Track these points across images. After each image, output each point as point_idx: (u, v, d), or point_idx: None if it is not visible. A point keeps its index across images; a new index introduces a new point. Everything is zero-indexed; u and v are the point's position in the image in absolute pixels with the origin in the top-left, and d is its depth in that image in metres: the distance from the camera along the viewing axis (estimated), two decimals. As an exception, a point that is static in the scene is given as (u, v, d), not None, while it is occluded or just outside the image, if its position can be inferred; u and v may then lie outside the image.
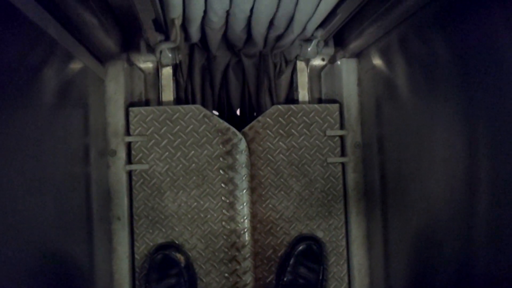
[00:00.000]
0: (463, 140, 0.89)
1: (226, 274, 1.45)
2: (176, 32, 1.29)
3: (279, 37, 1.47)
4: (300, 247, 1.45)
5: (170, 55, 1.41)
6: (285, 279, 1.43)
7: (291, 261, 1.44)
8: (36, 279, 0.82)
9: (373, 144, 1.40)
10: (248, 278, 1.44)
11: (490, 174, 0.81)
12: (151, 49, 1.43)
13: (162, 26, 1.30)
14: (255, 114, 1.72)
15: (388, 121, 1.29)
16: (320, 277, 1.45)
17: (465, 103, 0.88)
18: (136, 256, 1.44)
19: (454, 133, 0.93)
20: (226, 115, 1.76)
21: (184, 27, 1.37)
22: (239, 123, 1.52)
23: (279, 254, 1.49)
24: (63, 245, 0.98)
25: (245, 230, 1.45)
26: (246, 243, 1.45)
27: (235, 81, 1.69)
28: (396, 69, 1.21)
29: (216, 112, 1.75)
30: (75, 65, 1.10)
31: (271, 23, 1.33)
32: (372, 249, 1.46)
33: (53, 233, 0.92)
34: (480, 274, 0.86)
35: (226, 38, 1.53)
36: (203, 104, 1.66)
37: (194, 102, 1.61)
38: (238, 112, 1.77)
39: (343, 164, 1.53)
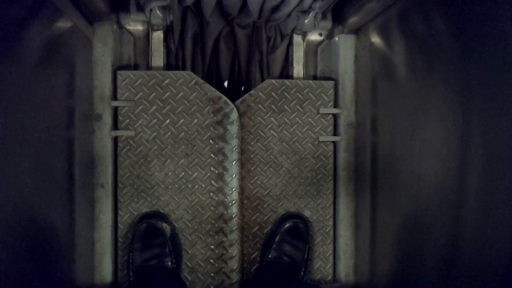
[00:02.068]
0: (457, 124, 0.88)
1: (212, 246, 1.42)
2: None
3: (275, 8, 1.42)
4: (287, 225, 1.43)
5: (160, 14, 1.35)
6: (269, 256, 1.42)
7: (277, 239, 1.42)
8: (13, 245, 0.78)
9: (367, 124, 1.38)
10: (234, 251, 1.42)
11: (483, 159, 0.81)
12: (140, 8, 1.36)
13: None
14: (242, 88, 1.68)
15: (383, 101, 1.27)
16: (305, 256, 1.44)
17: (462, 85, 0.87)
18: (119, 225, 1.40)
19: (448, 116, 0.92)
20: (215, 86, 1.70)
21: (177, -15, 1.32)
22: (227, 96, 1.48)
23: (265, 231, 1.48)
24: (42, 211, 0.94)
25: (233, 202, 1.42)
26: (233, 215, 1.42)
27: (226, 51, 1.63)
28: (394, 47, 1.19)
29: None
30: (63, 23, 1.05)
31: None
32: (359, 230, 1.45)
33: (32, 198, 0.88)
34: (467, 258, 0.86)
35: (220, 4, 1.47)
36: (193, 72, 1.61)
37: (184, 69, 1.55)
38: (226, 84, 1.72)
39: (334, 143, 1.51)
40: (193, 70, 1.60)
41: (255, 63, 1.62)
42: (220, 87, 1.71)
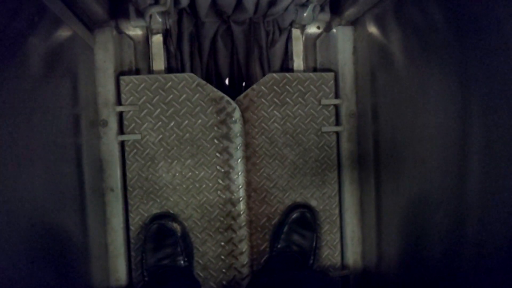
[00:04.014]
0: (456, 107, 0.90)
1: (222, 243, 1.45)
2: None
3: (272, 3, 1.43)
4: (294, 215, 1.46)
5: (160, 19, 1.37)
6: (278, 246, 1.45)
7: (285, 229, 1.45)
8: (29, 252, 0.81)
9: (368, 113, 1.40)
10: (244, 246, 1.44)
11: (483, 140, 0.82)
12: (140, 14, 1.38)
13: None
14: (244, 84, 1.69)
15: (383, 90, 1.29)
16: (314, 245, 1.47)
17: (459, 69, 0.88)
18: (131, 227, 1.43)
19: (447, 100, 0.93)
20: (215, 84, 1.71)
21: (173, -11, 1.33)
22: (228, 94, 1.49)
23: (273, 223, 1.50)
24: (55, 217, 0.96)
25: (241, 199, 1.44)
26: (241, 212, 1.44)
27: (224, 49, 1.64)
28: (392, 36, 1.20)
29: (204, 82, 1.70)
30: (64, 31, 1.06)
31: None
32: (365, 217, 1.48)
33: (45, 206, 0.90)
34: (471, 238, 0.88)
35: (215, 4, 1.48)
36: (192, 73, 1.62)
37: (183, 71, 1.57)
38: (227, 81, 1.73)
39: (337, 133, 1.53)
40: (192, 71, 1.61)
41: (254, 58, 1.63)
42: (221, 85, 1.72)
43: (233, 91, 1.63)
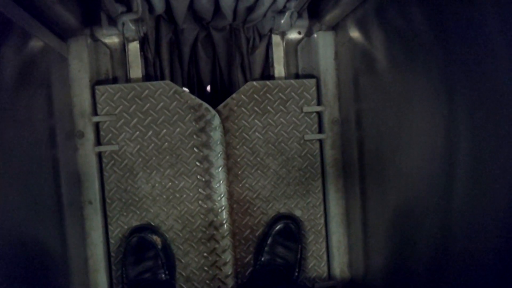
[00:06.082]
0: (441, 112, 0.88)
1: (205, 254, 1.42)
2: (137, 2, 1.22)
3: (250, 9, 1.41)
4: (278, 227, 1.43)
5: (133, 27, 1.34)
6: (262, 259, 1.42)
7: (269, 241, 1.43)
8: (7, 269, 0.79)
9: (351, 119, 1.38)
10: (228, 257, 1.42)
11: (469, 146, 0.81)
12: (113, 22, 1.35)
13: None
14: (227, 91, 1.66)
15: (366, 96, 1.27)
16: (298, 256, 1.45)
17: (444, 73, 0.86)
18: (111, 240, 1.40)
19: (432, 106, 0.91)
20: (197, 92, 1.69)
21: (147, -3, 1.30)
22: (210, 101, 1.47)
23: (257, 234, 1.48)
24: (33, 232, 0.94)
25: (223, 208, 1.42)
26: (224, 221, 1.42)
27: (205, 56, 1.62)
28: (374, 41, 1.18)
29: (186, 89, 1.68)
30: (34, 44, 1.03)
31: (239, -7, 1.27)
32: (351, 226, 1.46)
33: (21, 221, 0.88)
34: (457, 250, 0.87)
35: (193, 10, 1.45)
36: (172, 81, 1.59)
37: (163, 79, 1.54)
38: (208, 88, 1.71)
39: (320, 141, 1.51)
40: (172, 78, 1.59)
41: (236, 65, 1.60)
42: (202, 93, 1.70)
43: (215, 99, 1.60)
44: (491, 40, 0.72)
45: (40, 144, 1.03)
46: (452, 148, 0.86)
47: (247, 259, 1.47)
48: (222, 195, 1.42)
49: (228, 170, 1.45)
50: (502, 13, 0.69)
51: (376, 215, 1.26)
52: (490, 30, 0.72)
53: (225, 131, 1.44)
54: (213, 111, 1.42)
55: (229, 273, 1.42)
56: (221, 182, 1.42)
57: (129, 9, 1.27)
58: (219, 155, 1.41)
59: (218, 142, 1.41)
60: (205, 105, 1.42)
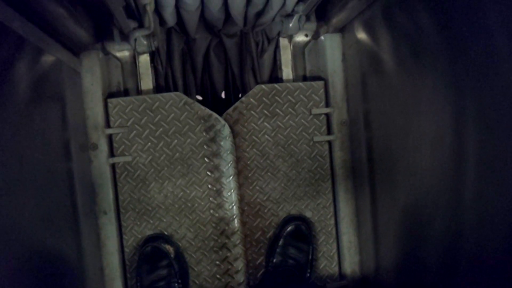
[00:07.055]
0: (450, 112, 0.88)
1: (218, 262, 1.44)
2: (149, 19, 1.24)
3: (259, 14, 1.42)
4: (289, 228, 1.44)
5: (145, 42, 1.37)
6: (274, 260, 1.43)
7: (280, 242, 1.44)
8: (25, 280, 0.81)
9: (360, 121, 1.37)
10: (240, 265, 1.43)
11: (478, 145, 0.80)
12: (125, 37, 1.38)
13: (135, 13, 1.25)
14: (240, 95, 1.67)
15: (374, 97, 1.26)
16: (310, 257, 1.45)
17: (452, 74, 0.86)
18: (125, 249, 1.42)
19: (441, 106, 0.91)
20: (211, 99, 1.71)
21: (158, 11, 1.32)
22: (225, 107, 1.49)
23: (268, 236, 1.49)
24: (49, 243, 0.97)
25: (234, 216, 1.43)
26: (235, 230, 1.43)
27: (217, 63, 1.64)
28: (381, 42, 1.18)
29: (199, 97, 1.71)
30: (47, 60, 1.06)
31: (248, 0, 1.29)
32: (361, 226, 1.45)
33: (38, 232, 0.90)
34: (468, 249, 0.86)
35: (204, 20, 1.48)
36: (186, 90, 1.62)
37: (175, 89, 1.57)
38: (223, 95, 1.73)
39: (329, 143, 1.51)
40: (185, 87, 1.61)
41: (248, 69, 1.62)
42: (217, 99, 1.72)
43: (230, 105, 1.61)
44: (498, 40, 0.72)
45: (55, 156, 1.06)
46: (461, 147, 0.85)
47: (259, 261, 1.48)
48: (233, 204, 1.44)
49: (239, 173, 1.46)
50: (509, 14, 0.69)
51: (386, 215, 1.26)
52: (497, 30, 0.72)
53: (235, 135, 1.46)
54: (222, 121, 1.43)
55: (241, 281, 1.43)
56: (232, 191, 1.43)
57: (141, 25, 1.30)
58: (229, 165, 1.43)
59: (228, 152, 1.43)
60: (215, 115, 1.44)
